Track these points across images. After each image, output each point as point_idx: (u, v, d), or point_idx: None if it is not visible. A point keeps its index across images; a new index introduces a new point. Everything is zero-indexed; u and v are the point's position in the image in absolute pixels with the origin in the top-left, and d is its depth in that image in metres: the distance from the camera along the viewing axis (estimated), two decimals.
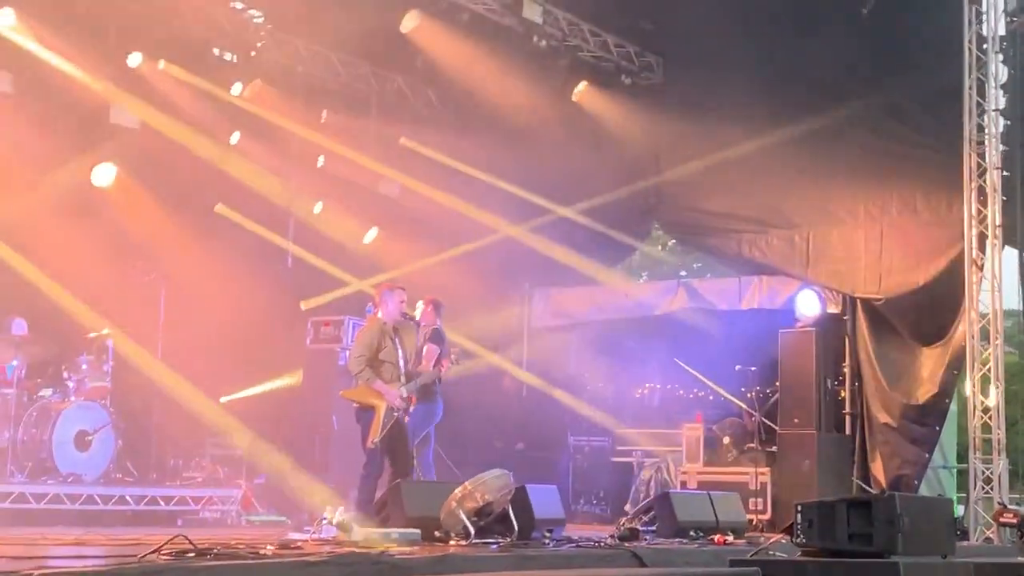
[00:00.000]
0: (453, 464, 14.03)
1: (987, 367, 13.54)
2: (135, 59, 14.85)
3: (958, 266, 13.98)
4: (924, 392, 14.55)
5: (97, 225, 14.41)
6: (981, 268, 13.68)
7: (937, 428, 14.56)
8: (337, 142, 16.53)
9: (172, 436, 14.62)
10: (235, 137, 16.01)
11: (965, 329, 13.80)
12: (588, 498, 17.04)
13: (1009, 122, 13.88)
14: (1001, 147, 13.78)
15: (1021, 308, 15.65)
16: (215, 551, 7.14)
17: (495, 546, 9.05)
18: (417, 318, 12.35)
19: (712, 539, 10.89)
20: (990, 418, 13.40)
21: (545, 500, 10.40)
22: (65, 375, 13.10)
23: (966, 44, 13.67)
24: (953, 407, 14.86)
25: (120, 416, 13.32)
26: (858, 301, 15.28)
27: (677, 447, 16.10)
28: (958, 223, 13.93)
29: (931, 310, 14.58)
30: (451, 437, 14.70)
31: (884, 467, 14.70)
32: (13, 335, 12.97)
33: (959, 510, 13.93)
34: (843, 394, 15.35)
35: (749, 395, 15.73)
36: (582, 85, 16.83)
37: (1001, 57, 13.85)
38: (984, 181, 13.70)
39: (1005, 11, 13.94)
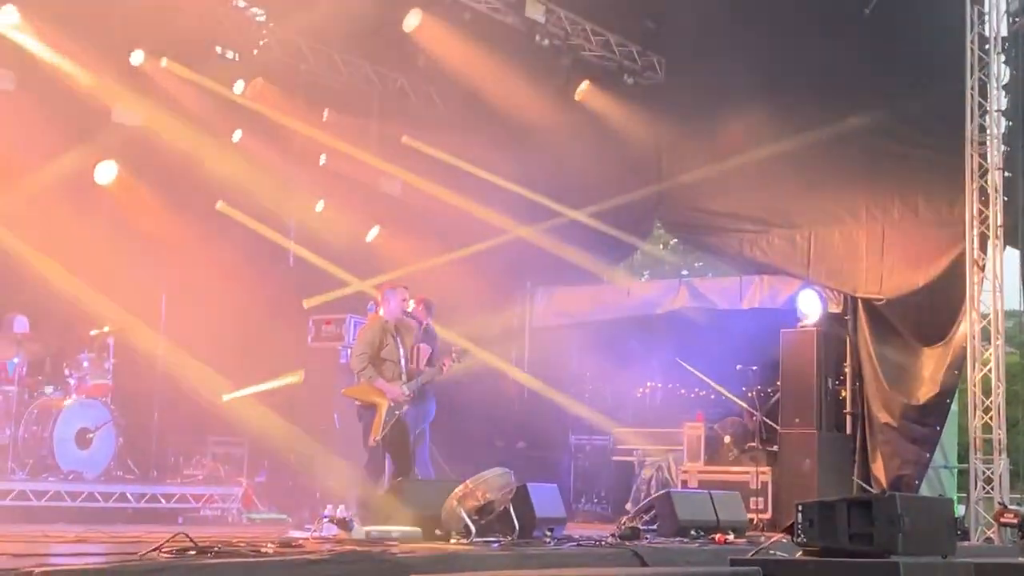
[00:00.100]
0: (456, 462, 14.02)
1: (988, 367, 13.54)
2: (137, 57, 14.85)
3: (959, 266, 13.99)
4: (925, 392, 14.55)
5: (99, 223, 14.42)
6: (982, 268, 13.69)
7: (938, 428, 14.56)
8: (339, 141, 16.53)
9: (173, 434, 14.62)
10: (237, 135, 16.01)
11: (966, 329, 13.81)
12: (589, 497, 17.05)
13: (1011, 123, 13.91)
14: (1003, 147, 13.80)
15: (1022, 308, 15.64)
16: (216, 549, 7.14)
17: (496, 545, 9.06)
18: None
19: (713, 538, 10.89)
20: (991, 418, 13.41)
21: (546, 499, 10.41)
22: (66, 372, 13.10)
23: (968, 45, 13.68)
24: (954, 407, 14.87)
25: (121, 414, 13.32)
26: (859, 301, 15.28)
27: (678, 446, 16.11)
28: (960, 223, 13.93)
29: (932, 310, 14.58)
30: (452, 436, 14.70)
31: (885, 467, 14.70)
32: (14, 332, 12.97)
33: (960, 510, 13.94)
34: (844, 394, 15.35)
35: (750, 394, 15.74)
36: (584, 84, 16.83)
37: (1003, 58, 13.87)
38: (986, 181, 13.70)
39: (1007, 12, 13.97)
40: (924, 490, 14.39)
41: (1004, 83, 13.90)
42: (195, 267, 14.78)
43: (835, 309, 15.51)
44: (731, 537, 11.01)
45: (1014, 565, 9.45)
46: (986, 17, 13.78)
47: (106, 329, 13.43)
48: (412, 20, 15.27)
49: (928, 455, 14.56)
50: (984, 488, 13.32)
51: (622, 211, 17.20)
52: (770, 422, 15.47)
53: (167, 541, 7.02)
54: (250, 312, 15.11)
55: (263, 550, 7.48)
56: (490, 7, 15.07)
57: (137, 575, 6.09)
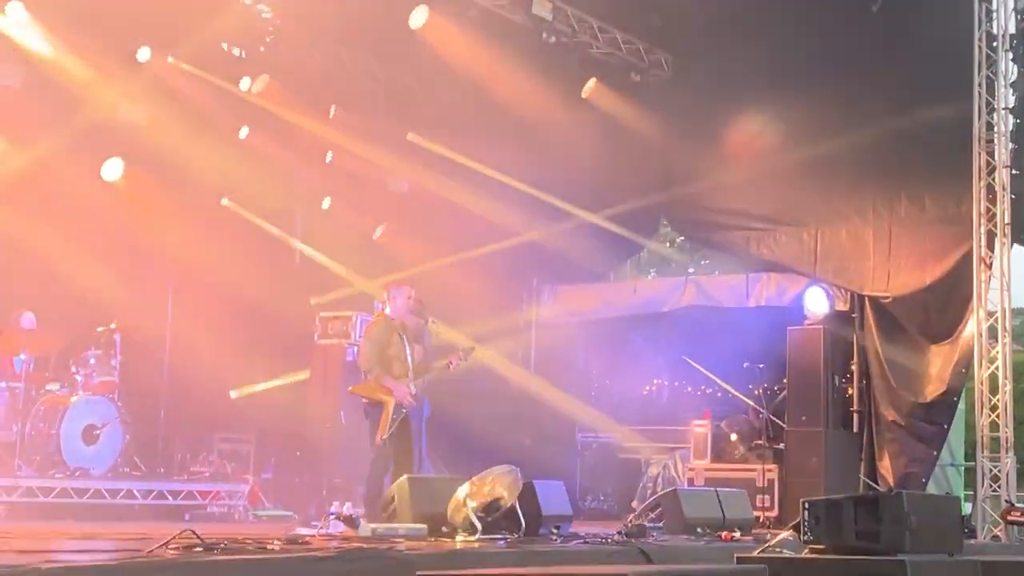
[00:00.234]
0: (462, 459, 14.00)
1: (995, 365, 13.52)
2: (144, 54, 14.86)
3: (967, 264, 13.97)
4: (932, 390, 14.52)
5: (105, 220, 14.44)
6: (990, 266, 13.66)
7: (945, 426, 14.53)
8: (345, 138, 16.53)
9: (180, 430, 14.65)
10: (243, 132, 16.02)
11: (973, 327, 13.78)
12: (595, 494, 17.05)
13: (1019, 120, 13.86)
14: (1011, 145, 13.76)
15: None
16: (222, 546, 7.15)
17: (502, 542, 9.06)
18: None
19: (719, 536, 10.89)
20: (998, 416, 13.39)
21: (552, 496, 10.41)
22: (73, 369, 13.13)
23: (976, 42, 13.65)
24: (961, 405, 14.84)
25: (128, 410, 13.34)
26: (866, 299, 15.25)
27: (685, 444, 16.11)
28: (967, 221, 13.91)
29: (939, 308, 14.56)
30: (459, 433, 14.71)
31: (892, 465, 14.67)
32: (22, 329, 12.99)
33: (966, 508, 13.91)
34: (851, 392, 15.32)
35: (757, 392, 15.73)
36: (591, 82, 16.80)
37: (1011, 55, 13.83)
38: (993, 179, 13.68)
39: (1015, 9, 13.91)
40: (931, 488, 14.38)
41: (1012, 81, 13.86)
42: (202, 264, 14.80)
43: (842, 307, 15.48)
44: (737, 535, 11.00)
45: (1021, 563, 9.42)
46: (994, 15, 13.75)
47: (113, 326, 13.45)
48: (418, 17, 15.25)
49: (935, 453, 14.54)
50: (991, 486, 13.30)
51: (629, 209, 17.17)
52: (777, 420, 15.45)
53: (174, 538, 7.03)
54: (257, 309, 15.13)
55: (269, 547, 7.48)
56: (497, 4, 15.06)
57: (144, 572, 6.10)
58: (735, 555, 8.01)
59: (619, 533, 10.33)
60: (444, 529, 9.50)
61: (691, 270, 24.92)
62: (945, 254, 14.54)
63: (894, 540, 7.51)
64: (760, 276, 16.40)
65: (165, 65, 15.05)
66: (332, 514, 9.56)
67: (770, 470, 14.93)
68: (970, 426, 14.62)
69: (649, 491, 15.67)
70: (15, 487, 11.85)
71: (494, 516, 9.58)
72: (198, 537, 7.15)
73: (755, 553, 8.22)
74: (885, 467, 14.74)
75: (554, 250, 17.11)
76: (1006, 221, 13.57)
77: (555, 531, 9.91)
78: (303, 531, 9.74)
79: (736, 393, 16.24)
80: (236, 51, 16.52)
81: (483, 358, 15.67)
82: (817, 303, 15.35)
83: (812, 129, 15.19)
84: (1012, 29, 13.82)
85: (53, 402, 12.79)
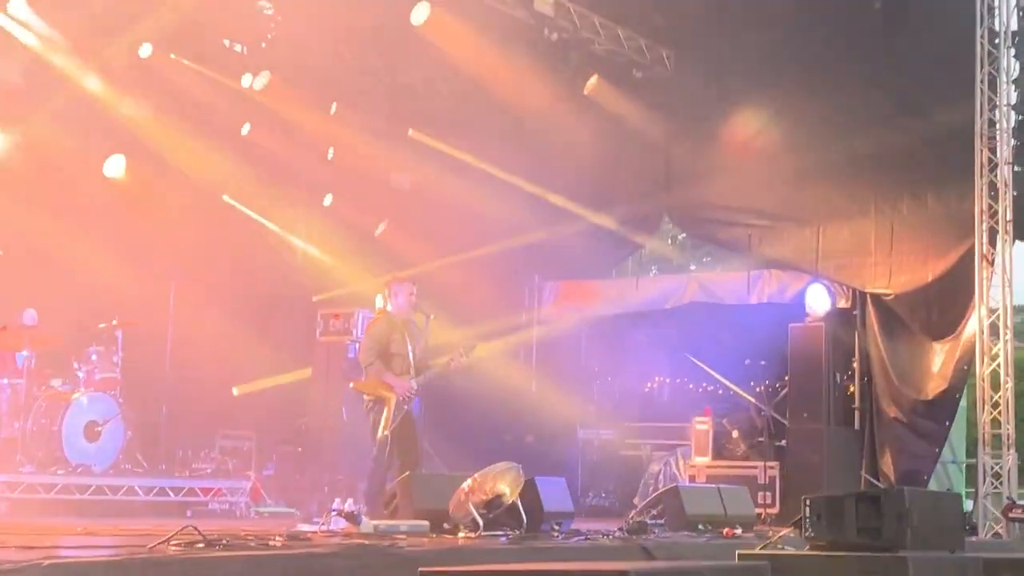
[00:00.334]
0: (464, 456, 14.02)
1: (997, 362, 13.52)
2: (145, 50, 14.86)
3: (968, 261, 13.95)
4: (934, 387, 14.51)
5: (107, 216, 14.46)
6: (992, 263, 13.65)
7: (947, 423, 14.52)
8: (347, 134, 16.53)
9: (181, 427, 14.65)
10: (245, 128, 16.02)
11: (975, 324, 13.78)
12: (597, 491, 17.04)
13: (1021, 117, 13.85)
14: (1013, 142, 13.75)
15: None
16: (224, 542, 7.16)
17: (504, 538, 9.07)
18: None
19: (721, 533, 10.89)
20: (999, 413, 13.38)
21: (554, 493, 10.41)
22: (75, 366, 13.14)
23: (978, 39, 13.64)
24: (962, 402, 14.83)
25: (129, 407, 13.35)
26: (868, 296, 15.25)
27: (686, 441, 16.10)
28: (969, 218, 13.89)
29: (941, 305, 14.55)
30: (460, 430, 14.72)
31: (893, 462, 14.67)
32: (24, 325, 13.00)
33: (968, 505, 13.91)
34: (852, 389, 15.32)
35: (758, 389, 15.73)
36: (593, 79, 16.79)
37: (1013, 52, 13.81)
38: (995, 176, 13.67)
39: (1017, 6, 13.91)
40: (932, 485, 14.36)
41: (1014, 77, 13.85)
42: (203, 261, 14.82)
43: (844, 304, 15.47)
44: (739, 531, 11.00)
45: (1023, 560, 9.42)
46: (996, 11, 13.73)
47: (115, 322, 13.46)
48: (420, 13, 15.24)
49: (937, 450, 14.53)
50: (992, 483, 13.29)
51: (630, 206, 17.18)
52: (778, 417, 15.45)
53: (175, 534, 7.04)
54: (258, 306, 15.15)
55: (271, 543, 7.49)
56: (498, 0, 15.04)
57: (145, 568, 6.10)
58: (737, 552, 8.00)
59: (620, 530, 10.34)
60: (446, 526, 9.50)
61: (693, 267, 24.92)
62: (947, 251, 14.54)
63: (896, 537, 7.51)
64: (762, 273, 16.40)
65: (167, 61, 15.05)
66: (334, 511, 9.55)
67: (771, 467, 14.92)
68: (972, 423, 14.63)
69: (651, 488, 15.67)
70: (17, 483, 11.87)
71: (496, 513, 9.58)
72: (200, 533, 7.15)
73: (757, 550, 8.20)
74: (887, 464, 14.74)
75: (555, 247, 17.11)
76: (1008, 218, 13.56)
77: (557, 528, 9.92)
78: (305, 528, 9.74)
79: (738, 390, 16.25)
80: (238, 48, 16.52)
81: (485, 355, 15.68)
82: (819, 300, 15.35)
83: (814, 126, 15.18)
84: (1014, 26, 13.81)
85: (55, 398, 12.80)
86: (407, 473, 10.47)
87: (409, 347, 11.47)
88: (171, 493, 13.11)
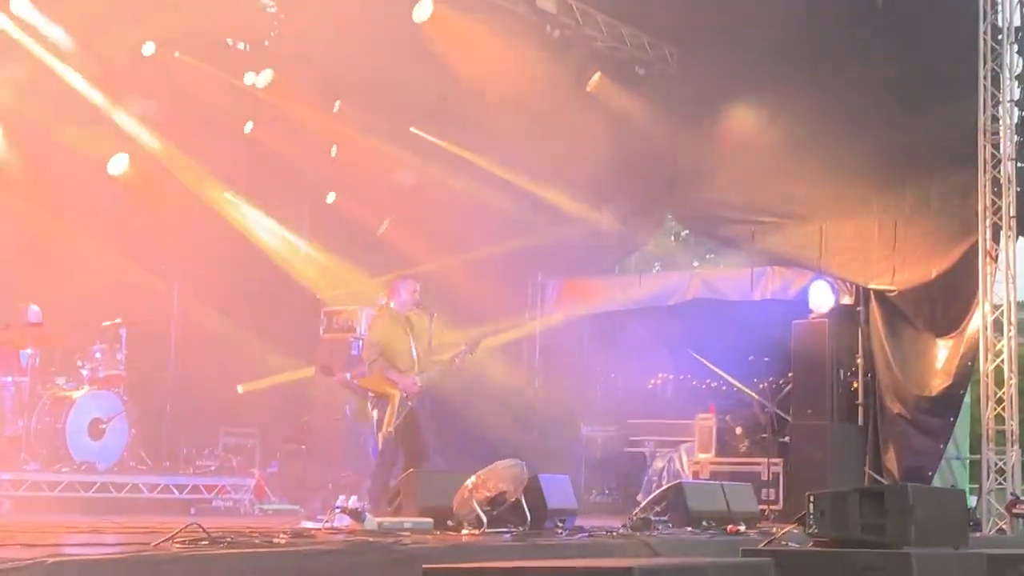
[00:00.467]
0: (467, 453, 14.03)
1: (1001, 358, 13.51)
2: (148, 48, 14.87)
3: (972, 257, 13.95)
4: (938, 383, 14.51)
5: (111, 214, 14.47)
6: (995, 259, 13.65)
7: (951, 419, 14.51)
8: (350, 132, 16.53)
9: (185, 425, 14.67)
10: (248, 126, 16.03)
11: (979, 320, 13.77)
12: (600, 488, 17.06)
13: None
14: (1016, 138, 13.74)
15: None
16: (228, 539, 7.15)
17: (508, 535, 9.06)
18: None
19: (724, 529, 10.88)
20: (1003, 409, 13.38)
21: (557, 490, 10.40)
22: (79, 363, 13.16)
23: (981, 35, 13.62)
24: (966, 398, 14.83)
25: (134, 404, 13.36)
26: (871, 292, 15.24)
27: (690, 437, 16.11)
28: (972, 214, 13.88)
29: (945, 301, 14.54)
30: (464, 427, 14.73)
31: (897, 458, 14.67)
32: (28, 322, 13.02)
33: (972, 501, 13.91)
34: (856, 385, 15.31)
35: (762, 386, 15.72)
36: (596, 76, 16.78)
37: (1016, 48, 13.80)
38: (998, 172, 13.65)
39: (1020, 2, 13.89)
40: (936, 481, 14.35)
41: (1017, 73, 13.84)
42: (207, 259, 14.82)
43: (847, 300, 15.47)
44: (743, 528, 10.99)
45: None
46: (999, 7, 13.72)
47: (118, 320, 13.47)
48: (423, 10, 15.24)
49: (942, 446, 14.51)
50: (996, 479, 13.29)
51: (634, 202, 17.19)
52: (782, 413, 15.45)
53: (180, 531, 7.04)
54: (262, 304, 15.15)
55: (275, 541, 7.49)
56: None
57: (150, 565, 6.11)
58: (740, 548, 8.02)
59: (624, 526, 10.33)
60: (450, 523, 9.50)
61: (696, 264, 24.88)
62: (950, 247, 14.52)
63: (899, 533, 7.51)
64: (765, 270, 16.39)
65: (170, 60, 15.06)
66: (338, 508, 9.56)
67: (775, 463, 14.93)
68: (975, 419, 14.62)
69: (654, 485, 15.66)
70: (21, 481, 11.90)
71: (499, 510, 9.58)
72: (204, 531, 7.15)
73: (760, 546, 8.21)
74: (891, 460, 14.73)
75: (558, 244, 17.10)
76: (1011, 214, 13.55)
77: (560, 524, 9.91)
78: (309, 525, 9.75)
79: (741, 387, 16.24)
80: (241, 45, 16.53)
81: (488, 352, 15.68)
82: (822, 297, 15.33)
83: (817, 122, 15.16)
84: (1017, 21, 13.79)
85: (59, 396, 12.82)
86: (411, 470, 10.49)
87: (412, 344, 11.49)
88: (175, 490, 13.13)
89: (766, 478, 14.74)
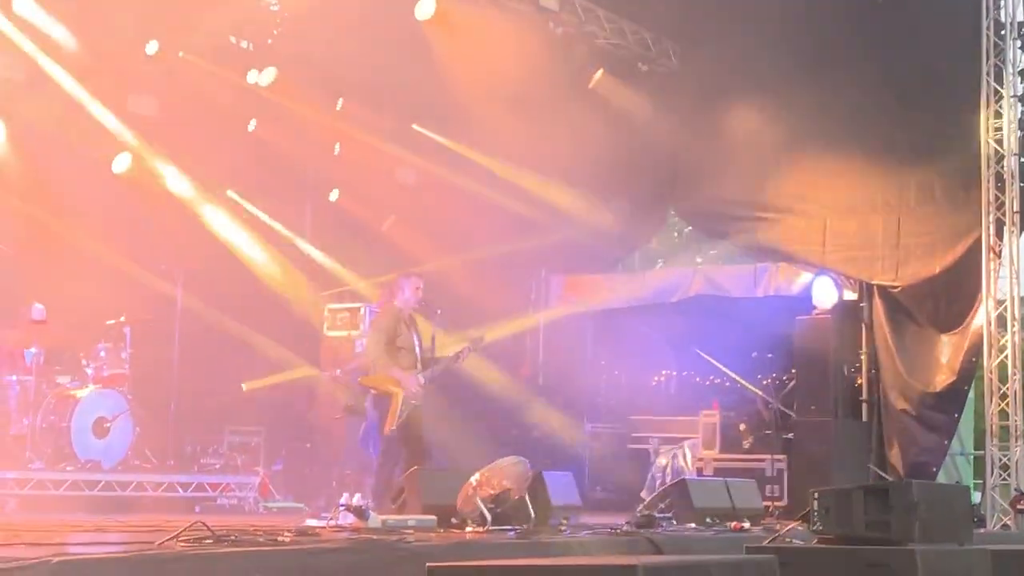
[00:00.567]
0: (471, 450, 14.01)
1: (1005, 354, 13.52)
2: (152, 47, 14.87)
3: (975, 253, 13.96)
4: (942, 379, 14.51)
5: (114, 212, 14.47)
6: (999, 255, 13.66)
7: (956, 415, 14.52)
8: (353, 130, 16.53)
9: (190, 423, 14.67)
10: (252, 124, 16.03)
11: (983, 316, 13.77)
12: (604, 485, 17.04)
13: None
14: (1019, 133, 13.75)
15: None
16: (233, 537, 7.16)
17: (512, 533, 9.07)
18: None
19: (728, 526, 10.89)
20: (1007, 405, 13.38)
21: (561, 487, 10.42)
22: (83, 362, 13.15)
23: (983, 30, 13.63)
24: (970, 394, 14.83)
25: (138, 403, 13.36)
26: (875, 288, 15.24)
27: (693, 434, 16.10)
28: (975, 210, 13.89)
29: (948, 297, 14.54)
30: (467, 424, 14.72)
31: (901, 454, 14.67)
32: (32, 320, 13.02)
33: (976, 497, 13.91)
34: (860, 381, 15.31)
35: (765, 382, 15.73)
36: (599, 73, 16.77)
37: (1019, 43, 13.82)
38: (1001, 167, 13.67)
39: None
40: (940, 477, 14.36)
41: (1020, 69, 13.86)
42: (210, 257, 14.82)
43: (851, 296, 15.47)
44: (747, 525, 10.99)
45: None
46: (1002, 3, 13.72)
47: (123, 319, 13.47)
48: (425, 8, 15.23)
49: (946, 443, 14.52)
50: (1000, 475, 13.31)
51: (636, 199, 17.18)
52: (786, 410, 15.46)
53: (184, 530, 7.04)
54: (265, 301, 15.15)
55: (280, 539, 7.49)
56: None
57: (155, 564, 6.11)
58: (744, 545, 8.01)
59: (628, 523, 10.32)
60: (454, 520, 9.51)
61: (699, 260, 24.89)
62: (954, 243, 14.52)
63: (904, 530, 7.51)
64: (768, 266, 16.39)
65: (173, 58, 15.05)
66: (342, 506, 9.56)
67: (779, 460, 14.93)
68: (979, 415, 14.62)
69: (658, 481, 15.68)
70: (26, 480, 11.90)
71: (504, 507, 9.58)
72: (209, 529, 7.16)
73: (765, 543, 8.22)
74: (895, 456, 14.74)
75: (561, 241, 17.08)
76: (1015, 209, 13.57)
77: (564, 522, 9.92)
78: (313, 523, 9.76)
79: (745, 383, 16.24)
80: (244, 43, 16.51)
81: (491, 349, 15.68)
82: (826, 292, 15.33)
83: (820, 118, 15.16)
84: (1020, 17, 13.82)
85: (64, 395, 12.82)
86: (414, 468, 10.49)
87: (416, 341, 11.50)
88: (180, 489, 13.14)
89: (770, 475, 14.75)
